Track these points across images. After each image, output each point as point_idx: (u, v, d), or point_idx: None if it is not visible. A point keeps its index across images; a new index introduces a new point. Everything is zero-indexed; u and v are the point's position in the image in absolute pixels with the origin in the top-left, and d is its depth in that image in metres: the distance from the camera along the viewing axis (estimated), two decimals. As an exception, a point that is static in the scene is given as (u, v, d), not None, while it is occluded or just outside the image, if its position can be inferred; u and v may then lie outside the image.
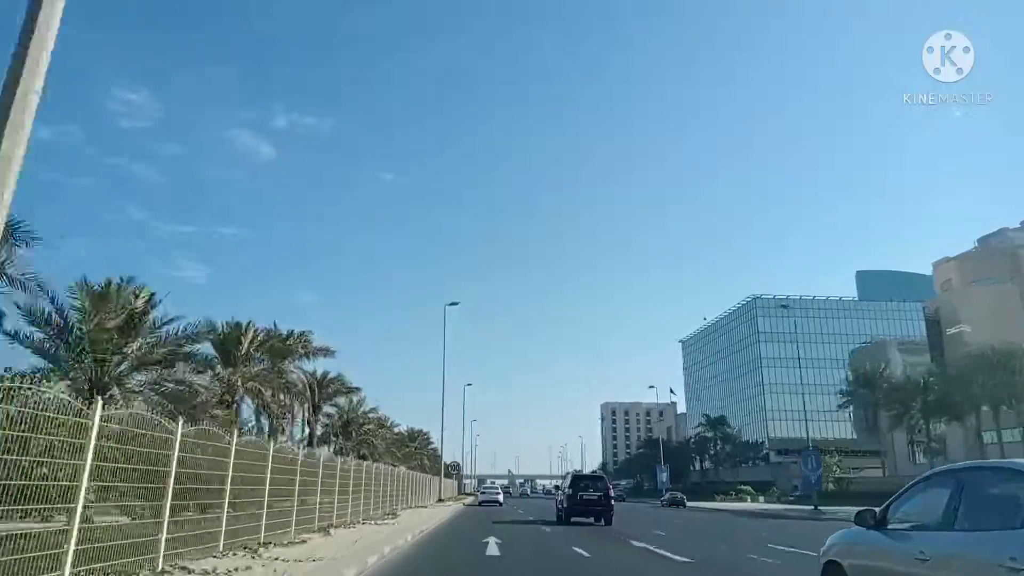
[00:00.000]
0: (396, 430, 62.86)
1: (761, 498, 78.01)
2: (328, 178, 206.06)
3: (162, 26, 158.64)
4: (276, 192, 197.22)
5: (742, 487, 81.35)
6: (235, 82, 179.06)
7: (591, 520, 24.86)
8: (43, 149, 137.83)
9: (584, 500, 24.59)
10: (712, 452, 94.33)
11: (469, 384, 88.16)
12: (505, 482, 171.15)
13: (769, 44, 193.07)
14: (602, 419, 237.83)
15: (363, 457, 45.54)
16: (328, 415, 42.92)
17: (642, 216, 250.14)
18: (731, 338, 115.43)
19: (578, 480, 26.52)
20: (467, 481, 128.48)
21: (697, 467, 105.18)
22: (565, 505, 25.22)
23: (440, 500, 48.34)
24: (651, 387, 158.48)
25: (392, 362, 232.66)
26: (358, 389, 38.84)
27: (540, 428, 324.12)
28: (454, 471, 65.85)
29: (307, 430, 37.96)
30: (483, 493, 53.91)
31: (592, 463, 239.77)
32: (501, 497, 49.79)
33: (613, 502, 25.28)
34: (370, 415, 45.42)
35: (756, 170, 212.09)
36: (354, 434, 42.83)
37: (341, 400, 40.14)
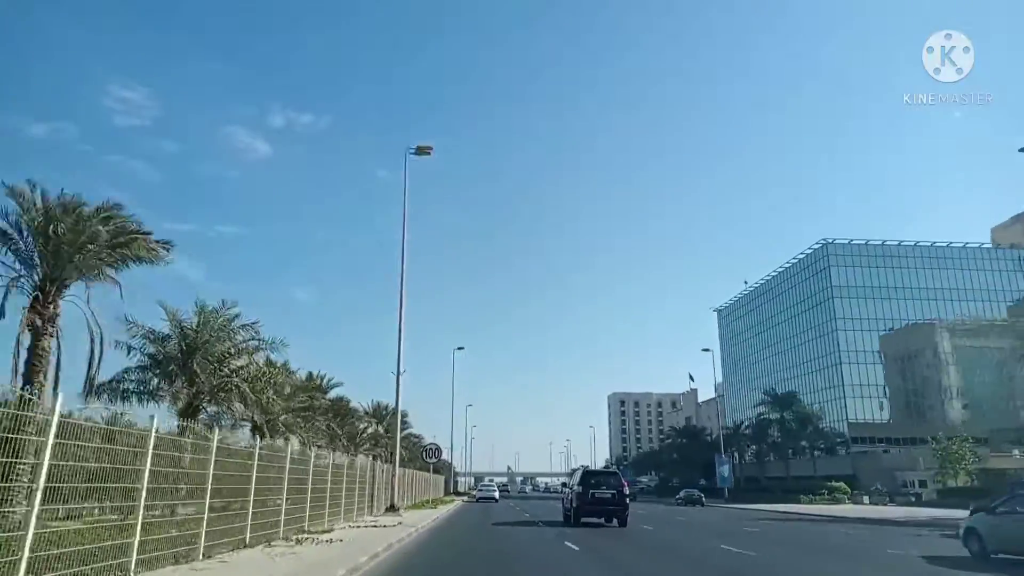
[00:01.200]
0: (334, 394, 40.31)
1: (866, 499, 55.59)
2: (324, 175, 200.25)
3: (158, 24, 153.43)
4: (273, 189, 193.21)
5: (832, 484, 58.79)
6: (232, 79, 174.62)
7: (602, 521, 23.11)
8: (38, 147, 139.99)
9: (596, 499, 22.31)
10: (777, 439, 71.60)
11: (460, 347, 68.93)
12: (504, 480, 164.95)
13: (769, 44, 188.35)
14: (610, 411, 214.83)
15: (260, 431, 22.99)
16: (152, 333, 20.27)
17: (642, 210, 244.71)
18: (790, 299, 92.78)
19: (589, 476, 23.41)
20: (463, 479, 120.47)
21: (753, 459, 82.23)
22: (575, 504, 22.86)
23: (391, 508, 25.47)
24: (705, 349, 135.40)
25: (390, 364, 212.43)
26: (166, 245, 16.19)
27: (541, 424, 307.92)
28: (432, 457, 43.39)
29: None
30: (480, 490, 61.35)
31: (599, 459, 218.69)
32: (497, 494, 58.28)
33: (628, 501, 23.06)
34: (248, 343, 22.40)
35: (756, 170, 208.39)
36: (200, 374, 19.95)
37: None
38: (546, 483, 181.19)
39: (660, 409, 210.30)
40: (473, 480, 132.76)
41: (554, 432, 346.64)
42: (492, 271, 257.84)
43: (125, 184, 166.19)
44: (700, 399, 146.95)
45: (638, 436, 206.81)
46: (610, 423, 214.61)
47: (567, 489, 27.15)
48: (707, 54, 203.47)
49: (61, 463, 6.51)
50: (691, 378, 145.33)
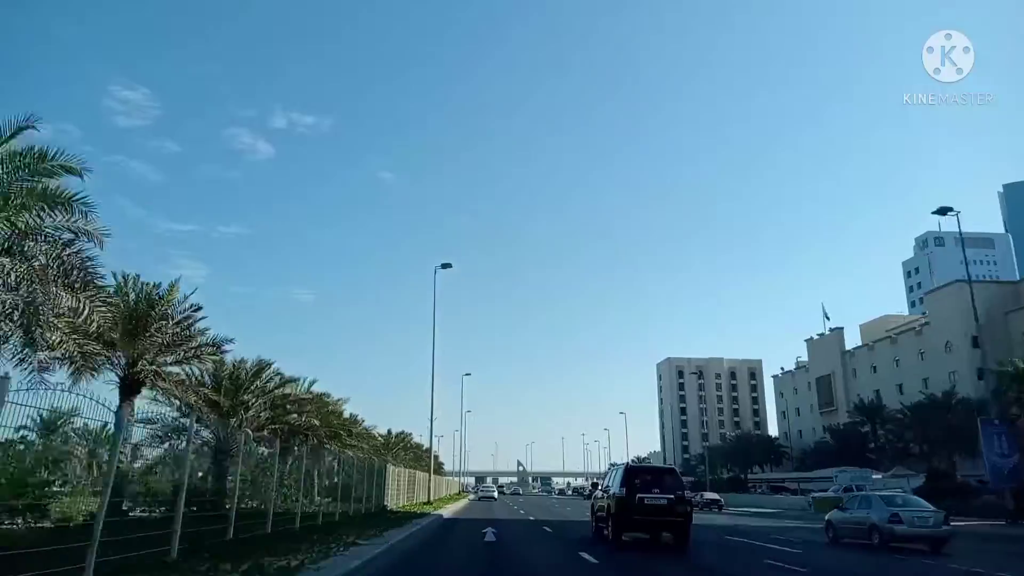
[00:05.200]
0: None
1: None
2: (327, 177, 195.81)
3: (160, 24, 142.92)
4: (275, 191, 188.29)
5: None
6: (233, 80, 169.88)
7: (650, 538, 16.45)
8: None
9: (647, 506, 15.53)
10: None
11: (467, 374, 70.88)
12: (514, 479, 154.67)
13: (769, 45, 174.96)
14: (660, 387, 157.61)
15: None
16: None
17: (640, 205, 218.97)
18: None
19: (635, 475, 16.56)
20: (464, 479, 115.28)
21: None
22: (614, 512, 16.05)
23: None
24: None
25: (390, 363, 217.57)
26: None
27: (557, 417, 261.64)
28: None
29: None
30: (481, 491, 76.96)
31: (638, 454, 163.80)
32: (495, 494, 72.86)
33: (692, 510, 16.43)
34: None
35: (756, 171, 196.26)
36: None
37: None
38: (568, 483, 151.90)
39: (734, 382, 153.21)
40: (474, 481, 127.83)
41: (570, 426, 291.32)
42: (492, 270, 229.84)
43: (127, 185, 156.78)
44: (847, 345, 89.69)
45: (703, 419, 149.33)
46: (661, 403, 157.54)
47: (600, 493, 19.34)
48: (705, 58, 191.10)
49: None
50: (826, 315, 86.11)
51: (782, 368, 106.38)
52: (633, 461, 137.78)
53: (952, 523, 17.89)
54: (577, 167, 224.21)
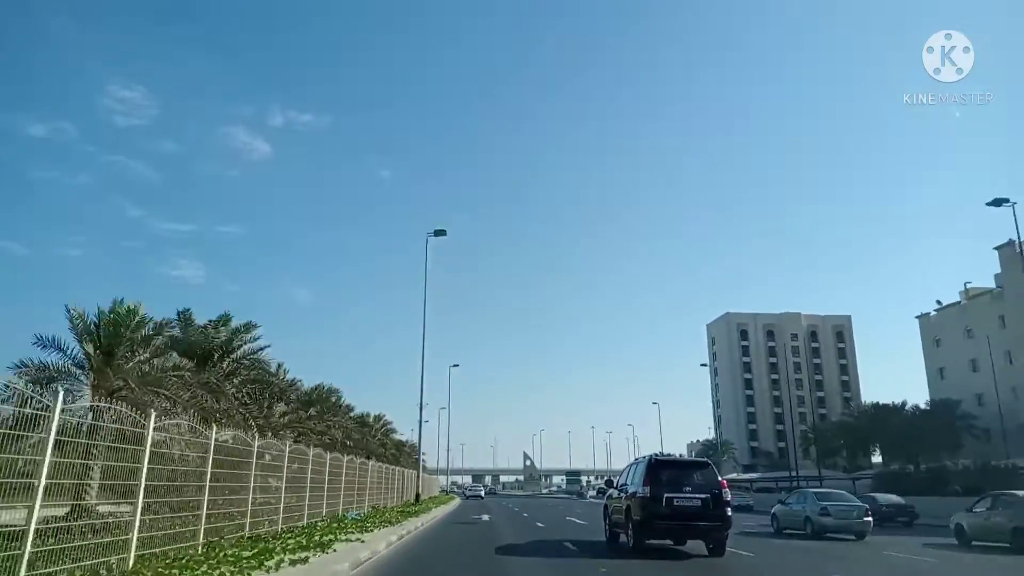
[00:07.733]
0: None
1: None
2: (325, 175, 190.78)
3: (157, 23, 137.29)
4: (273, 189, 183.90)
5: None
6: (230, 78, 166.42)
7: (675, 544, 14.44)
8: (39, 147, 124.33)
9: (675, 508, 12.95)
10: None
11: (455, 365, 62.64)
12: (520, 477, 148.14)
13: (769, 44, 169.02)
14: (714, 352, 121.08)
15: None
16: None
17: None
18: None
19: (660, 470, 13.50)
20: (456, 479, 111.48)
21: None
22: (637, 516, 13.37)
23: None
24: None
25: (389, 362, 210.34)
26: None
27: (563, 411, 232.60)
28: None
29: None
30: (470, 490, 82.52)
31: (673, 444, 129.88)
32: (483, 492, 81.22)
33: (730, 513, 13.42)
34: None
35: (756, 171, 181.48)
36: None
37: None
38: (588, 481, 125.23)
39: (815, 345, 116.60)
40: (471, 479, 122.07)
41: (584, 418, 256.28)
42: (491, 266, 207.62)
43: (126, 185, 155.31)
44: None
45: (775, 393, 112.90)
46: (716, 374, 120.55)
47: (615, 492, 16.12)
48: (705, 57, 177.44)
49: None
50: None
51: (939, 302, 69.99)
52: (696, 447, 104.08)
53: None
54: (584, 154, 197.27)
